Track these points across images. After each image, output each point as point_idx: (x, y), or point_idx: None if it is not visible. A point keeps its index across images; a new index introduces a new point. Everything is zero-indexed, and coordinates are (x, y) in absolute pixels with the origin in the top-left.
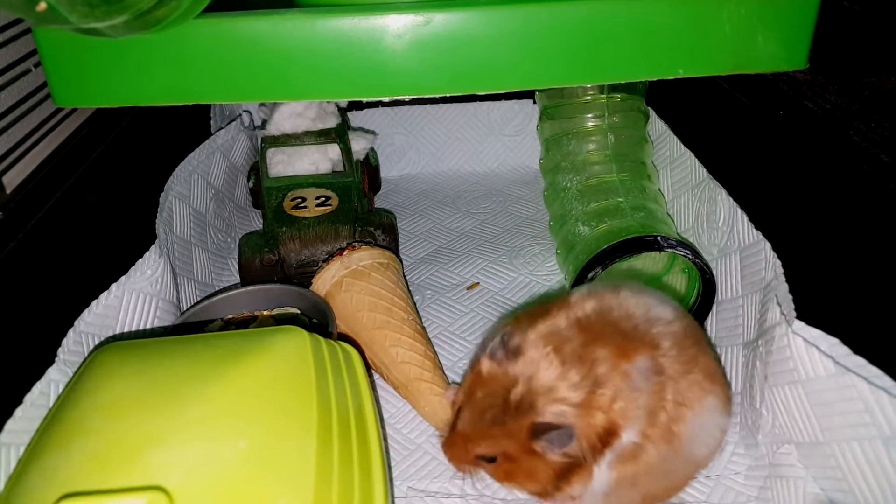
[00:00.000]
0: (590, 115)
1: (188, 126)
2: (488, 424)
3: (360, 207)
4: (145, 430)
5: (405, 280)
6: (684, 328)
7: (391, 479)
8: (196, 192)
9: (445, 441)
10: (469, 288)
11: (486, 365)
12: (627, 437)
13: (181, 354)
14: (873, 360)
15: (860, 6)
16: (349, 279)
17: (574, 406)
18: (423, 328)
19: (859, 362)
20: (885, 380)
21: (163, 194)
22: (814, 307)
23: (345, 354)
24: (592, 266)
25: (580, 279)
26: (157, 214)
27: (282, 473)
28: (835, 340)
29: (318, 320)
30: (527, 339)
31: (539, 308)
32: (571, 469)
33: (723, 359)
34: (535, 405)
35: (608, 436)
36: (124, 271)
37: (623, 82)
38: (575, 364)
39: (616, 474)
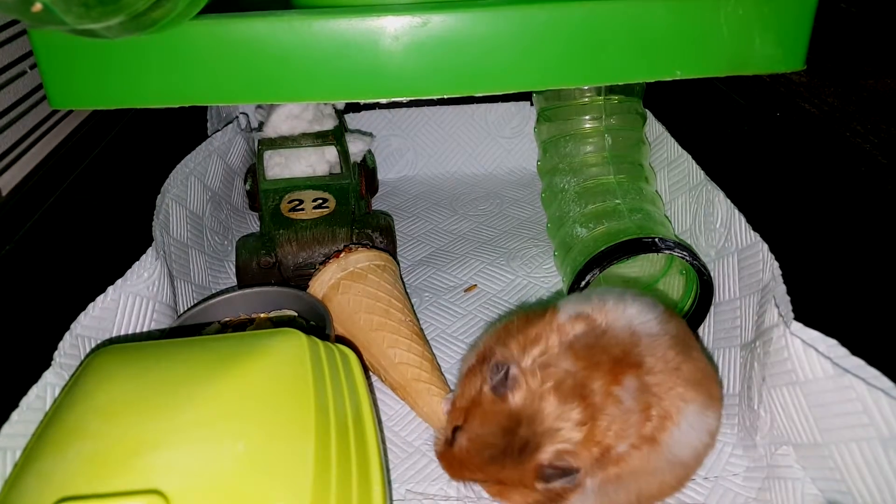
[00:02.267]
0: (587, 117)
1: (185, 128)
2: (488, 461)
3: (357, 210)
4: (142, 433)
5: (402, 282)
6: (668, 339)
7: (389, 482)
8: (193, 194)
9: (442, 455)
10: (467, 290)
11: (487, 397)
12: (618, 450)
13: (178, 357)
14: (871, 362)
15: (857, 8)
16: (346, 281)
17: (577, 444)
18: (421, 329)
19: (857, 363)
20: (883, 381)
21: (159, 197)
22: (812, 308)
23: (342, 357)
24: (590, 268)
25: (578, 281)
26: (154, 217)
27: (279, 476)
28: (833, 342)
29: (316, 323)
30: (524, 368)
31: (526, 324)
32: (562, 493)
33: (720, 360)
34: (541, 448)
35: (603, 458)
36: (121, 274)
37: (620, 84)
38: (574, 399)
39: (602, 477)
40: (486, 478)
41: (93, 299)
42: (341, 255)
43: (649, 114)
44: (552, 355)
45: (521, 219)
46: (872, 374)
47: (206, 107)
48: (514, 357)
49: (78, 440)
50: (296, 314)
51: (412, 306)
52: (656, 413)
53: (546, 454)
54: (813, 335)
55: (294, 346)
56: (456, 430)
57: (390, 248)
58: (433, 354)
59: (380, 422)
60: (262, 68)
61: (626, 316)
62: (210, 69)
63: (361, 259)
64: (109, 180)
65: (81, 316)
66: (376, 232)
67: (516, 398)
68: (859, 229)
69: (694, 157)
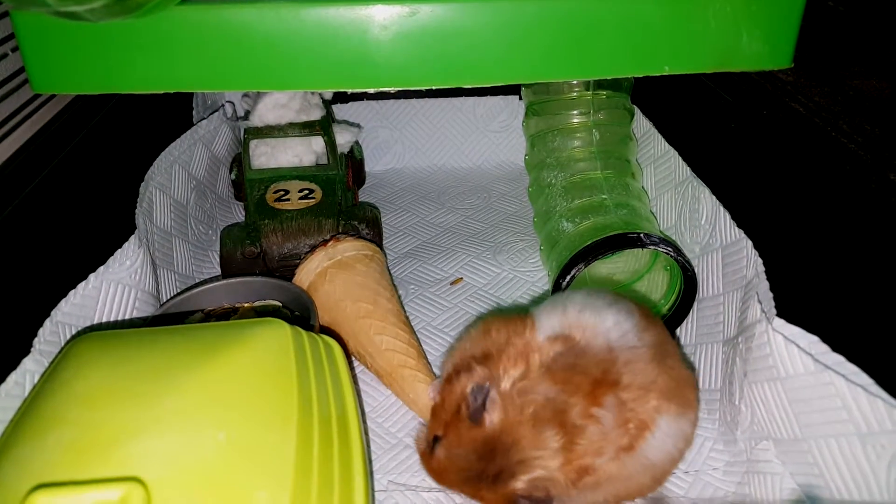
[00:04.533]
0: (575, 112)
1: (169, 116)
2: (464, 481)
3: (343, 201)
4: (122, 421)
5: (389, 273)
6: (645, 351)
7: (372, 473)
8: (177, 182)
9: (423, 456)
10: (453, 283)
11: (465, 420)
12: (595, 465)
13: (160, 345)
14: (851, 358)
15: (845, 7)
16: (333, 270)
17: (554, 470)
18: (408, 319)
19: (837, 360)
20: (862, 377)
21: (143, 184)
22: (794, 305)
23: (326, 347)
24: (576, 262)
25: (563, 275)
26: (137, 205)
27: (261, 465)
28: (814, 338)
29: (300, 313)
30: (504, 398)
31: (506, 332)
32: None
33: (703, 356)
34: (515, 476)
35: (583, 475)
36: (103, 261)
37: (609, 79)
38: (553, 425)
39: (580, 486)
40: (462, 493)
41: (74, 286)
42: (329, 244)
43: (637, 110)
44: (532, 379)
45: (508, 213)
46: (852, 370)
47: (192, 94)
48: (493, 379)
49: (57, 427)
50: (280, 304)
51: (399, 296)
52: (633, 425)
53: (520, 483)
54: (794, 331)
55: (278, 336)
56: (437, 438)
57: (377, 240)
58: (419, 343)
59: (363, 413)
60: (248, 55)
61: (604, 330)
62: (196, 55)
63: (349, 248)
64: (92, 167)
65: (62, 303)
66: (363, 224)
67: (495, 425)
68: (843, 228)
69: (680, 154)
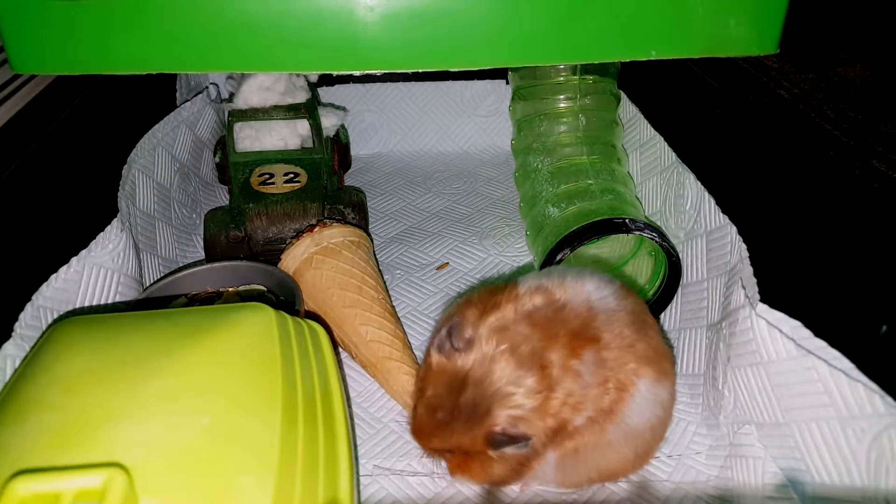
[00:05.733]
0: (562, 97)
1: (153, 97)
2: (438, 425)
3: (329, 185)
4: (105, 406)
5: (376, 259)
6: (624, 315)
7: (357, 458)
8: (160, 165)
9: (411, 427)
10: (439, 268)
11: (434, 358)
12: (575, 423)
13: (143, 329)
14: (833, 343)
15: None
16: (319, 256)
17: (530, 411)
18: (393, 308)
19: (819, 345)
20: (843, 362)
21: (125, 167)
22: (777, 290)
23: (311, 332)
24: (561, 247)
25: (549, 260)
26: (120, 188)
27: (245, 450)
28: (796, 323)
29: (285, 298)
30: (478, 332)
31: (486, 295)
32: (523, 462)
33: (687, 340)
34: (491, 411)
35: (560, 430)
36: (85, 245)
37: (596, 64)
38: (529, 366)
39: (560, 450)
40: (440, 444)
41: (55, 270)
42: (315, 230)
43: (623, 95)
44: (509, 321)
45: (494, 197)
46: (834, 355)
47: (175, 76)
48: (467, 318)
49: (38, 412)
50: (265, 289)
51: (385, 284)
52: (613, 385)
53: (495, 419)
54: (777, 316)
55: (262, 321)
56: (415, 405)
57: (362, 225)
58: (405, 333)
59: (348, 398)
60: (234, 36)
61: (584, 291)
62: (181, 36)
63: (336, 234)
64: (73, 149)
65: (44, 287)
66: (348, 208)
67: (466, 357)
68: (826, 214)
69: (666, 140)
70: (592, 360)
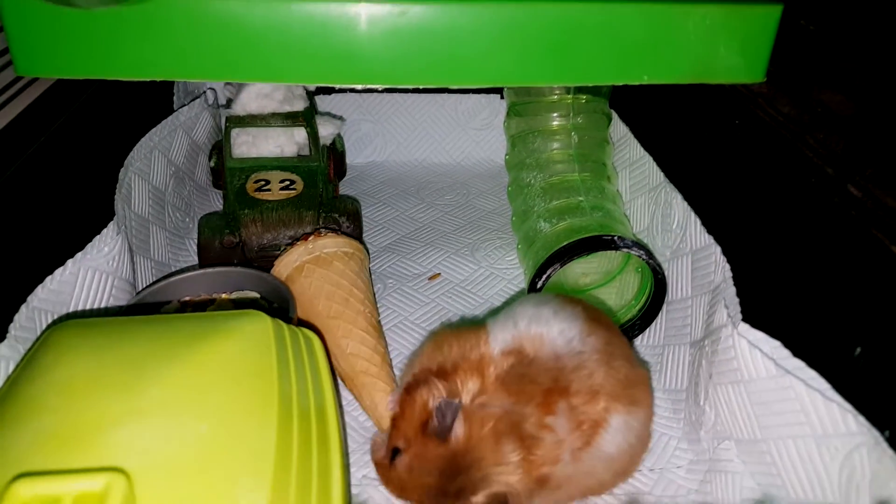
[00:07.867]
0: (555, 115)
1: (150, 101)
2: (426, 496)
3: (324, 193)
4: (104, 410)
5: (369, 271)
6: (591, 355)
7: (348, 467)
8: (156, 169)
9: (380, 466)
10: (430, 278)
11: (430, 436)
12: (554, 472)
13: (141, 334)
14: (810, 363)
15: (816, 27)
16: (311, 265)
17: (513, 483)
18: (379, 322)
19: (798, 365)
20: (820, 382)
21: (122, 170)
22: (758, 310)
23: (306, 341)
24: (552, 263)
25: (539, 275)
26: (116, 191)
27: (242, 457)
28: (776, 343)
29: (279, 305)
30: (467, 413)
31: (461, 345)
32: None
33: (670, 357)
34: (477, 492)
35: (542, 482)
36: (80, 247)
37: (590, 85)
38: (510, 440)
39: (542, 492)
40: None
41: (51, 272)
42: (310, 238)
43: (614, 114)
44: (489, 394)
45: (487, 210)
46: (811, 375)
47: (173, 80)
48: (454, 393)
49: (36, 415)
50: (258, 296)
51: (374, 297)
52: (587, 426)
53: (480, 497)
54: (758, 336)
55: (259, 329)
56: (397, 450)
57: (357, 234)
58: (386, 349)
59: (341, 407)
60: (236, 46)
61: (551, 338)
62: (185, 44)
63: (329, 244)
64: (72, 151)
65: (38, 289)
66: (343, 216)
67: (459, 442)
68: (806, 238)
69: (655, 159)
70: (565, 410)
